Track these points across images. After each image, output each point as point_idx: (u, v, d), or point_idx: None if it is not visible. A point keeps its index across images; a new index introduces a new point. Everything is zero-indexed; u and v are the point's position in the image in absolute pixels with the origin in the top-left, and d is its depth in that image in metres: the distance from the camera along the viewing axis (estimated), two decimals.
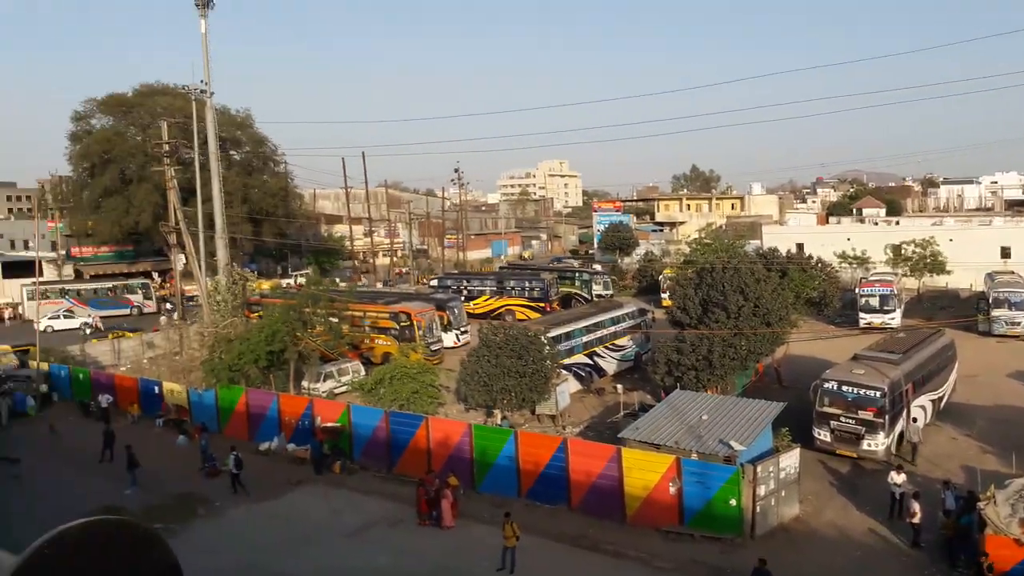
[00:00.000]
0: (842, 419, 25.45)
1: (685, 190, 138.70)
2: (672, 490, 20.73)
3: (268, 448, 29.05)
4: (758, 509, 20.39)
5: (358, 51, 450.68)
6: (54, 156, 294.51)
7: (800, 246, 55.08)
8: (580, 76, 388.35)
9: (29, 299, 54.33)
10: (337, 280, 63.55)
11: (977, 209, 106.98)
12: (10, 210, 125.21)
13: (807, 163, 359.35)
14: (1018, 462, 21.87)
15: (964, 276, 56.74)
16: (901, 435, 25.98)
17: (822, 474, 24.80)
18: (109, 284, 62.50)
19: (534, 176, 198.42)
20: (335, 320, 36.69)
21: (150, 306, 60.40)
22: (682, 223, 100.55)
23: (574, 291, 58.32)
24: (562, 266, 73.50)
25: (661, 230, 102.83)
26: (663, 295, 52.88)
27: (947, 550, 18.98)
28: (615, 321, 38.92)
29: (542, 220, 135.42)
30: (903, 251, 56.80)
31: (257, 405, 30.85)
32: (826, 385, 26.09)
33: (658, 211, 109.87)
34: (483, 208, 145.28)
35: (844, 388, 25.71)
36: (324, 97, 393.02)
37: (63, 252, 71.11)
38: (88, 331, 51.15)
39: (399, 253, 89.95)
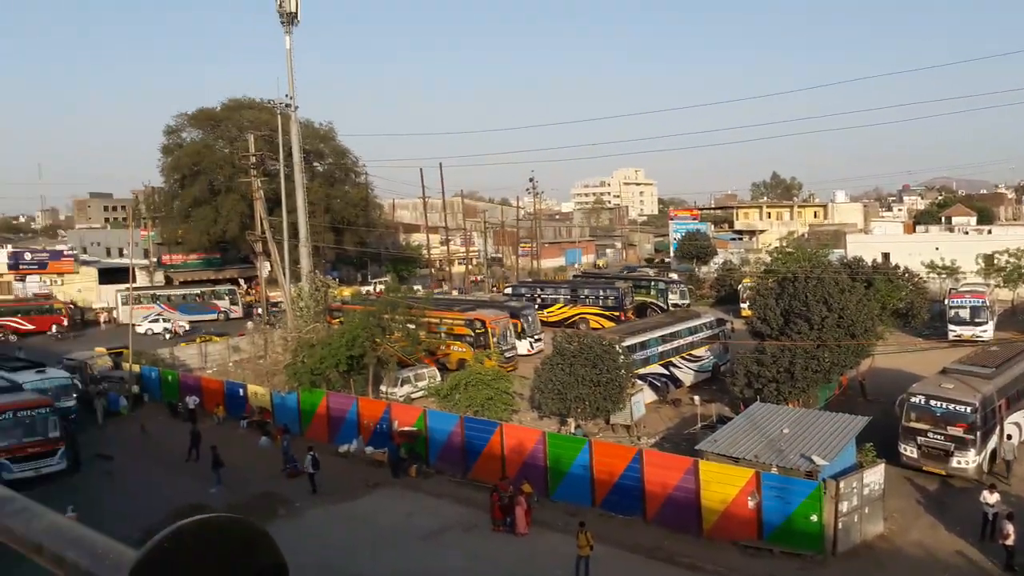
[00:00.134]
0: (930, 435, 24.52)
1: (765, 198, 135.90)
2: (751, 504, 20.32)
3: (347, 450, 29.67)
4: (840, 526, 19.80)
5: (437, 64, 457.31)
6: (148, 168, 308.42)
7: (886, 255, 53.36)
8: (656, 84, 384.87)
9: (123, 304, 56.80)
10: (416, 287, 64.50)
11: None
12: (107, 219, 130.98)
13: (893, 170, 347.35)
14: None
15: None
16: (994, 453, 24.86)
17: (908, 491, 23.91)
18: (197, 290, 64.91)
19: (609, 184, 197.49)
20: (412, 326, 37.28)
21: (236, 311, 62.41)
22: (762, 231, 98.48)
23: (649, 300, 57.74)
24: (637, 275, 72.86)
25: (740, 239, 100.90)
26: (742, 305, 51.90)
27: None
28: (692, 331, 38.40)
29: (616, 228, 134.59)
30: (996, 261, 54.39)
31: (337, 408, 31.57)
32: (913, 399, 25.18)
33: (737, 219, 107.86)
34: (557, 217, 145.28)
35: (932, 403, 24.77)
36: (403, 109, 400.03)
37: (155, 259, 74.16)
38: (168, 336, 52.93)
39: (474, 261, 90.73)
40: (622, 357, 30.46)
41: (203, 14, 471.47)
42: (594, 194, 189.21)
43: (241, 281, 72.11)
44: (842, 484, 19.81)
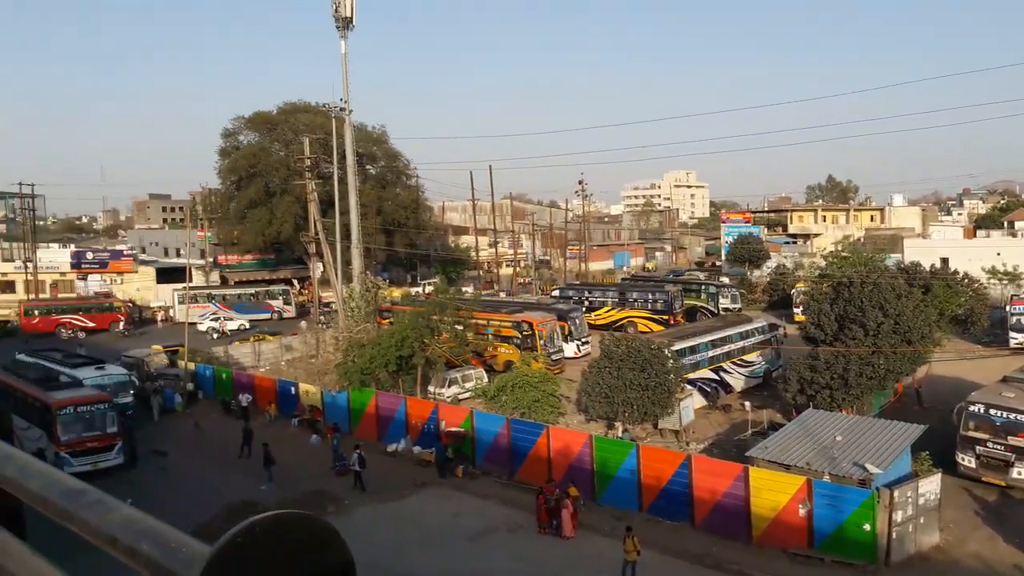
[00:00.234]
0: (989, 445, 23.83)
1: (820, 201, 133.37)
2: (802, 512, 19.98)
3: (395, 449, 29.96)
4: (894, 535, 19.37)
5: (486, 67, 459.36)
6: (205, 170, 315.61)
7: (945, 261, 51.91)
8: (709, 86, 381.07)
9: (180, 303, 58.17)
10: (464, 289, 64.82)
11: None
12: (165, 220, 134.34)
13: (953, 173, 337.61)
14: None
15: None
16: None
17: (966, 502, 23.26)
18: (252, 290, 66.13)
19: (659, 187, 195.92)
20: (460, 328, 37.49)
21: (289, 311, 63.40)
22: (817, 235, 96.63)
23: (700, 304, 57.06)
24: (688, 278, 72.07)
25: (794, 242, 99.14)
26: (796, 310, 51.03)
27: None
28: (743, 336, 37.89)
29: (666, 231, 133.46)
30: None
31: (386, 408, 31.90)
32: (972, 408, 24.50)
33: (791, 223, 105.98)
34: (606, 219, 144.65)
35: (992, 412, 24.07)
36: (454, 112, 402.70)
37: (211, 260, 75.79)
38: (215, 335, 53.73)
39: (522, 264, 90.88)
40: (671, 361, 30.20)
41: (261, 18, 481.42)
42: (644, 196, 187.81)
43: (294, 281, 73.27)
44: (896, 493, 19.39)
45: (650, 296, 53.76)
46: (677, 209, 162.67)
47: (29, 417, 28.85)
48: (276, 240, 70.93)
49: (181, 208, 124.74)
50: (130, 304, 62.55)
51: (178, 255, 79.01)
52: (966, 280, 39.33)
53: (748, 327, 39.01)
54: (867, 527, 19.17)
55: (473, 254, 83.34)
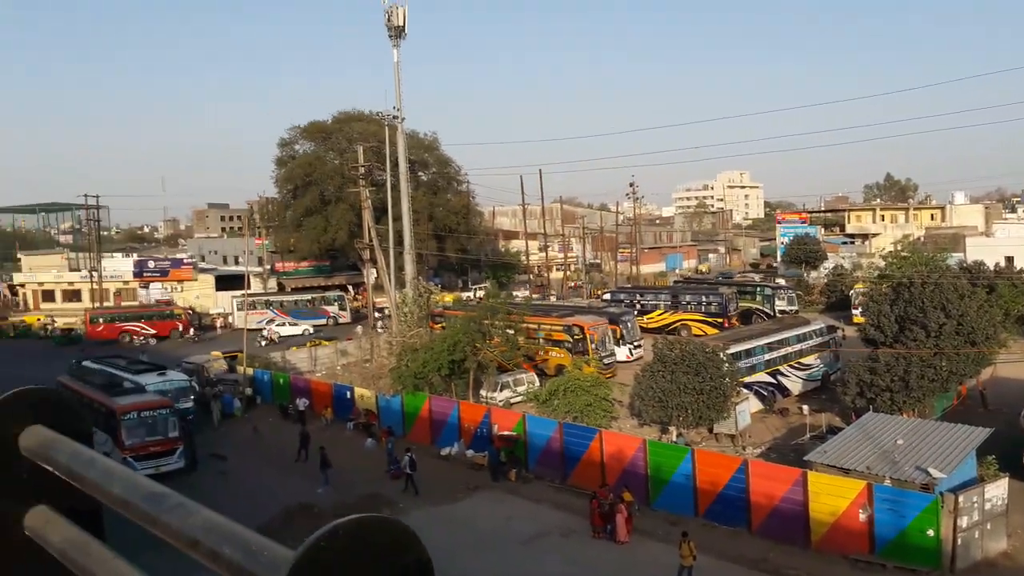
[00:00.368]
0: None
1: (878, 200, 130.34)
2: (862, 517, 19.56)
3: (448, 453, 30.16)
4: (959, 541, 18.84)
5: (537, 71, 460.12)
6: (262, 179, 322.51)
7: (1010, 259, 50.25)
8: (765, 84, 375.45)
9: (238, 310, 59.47)
10: (514, 293, 64.98)
11: None
12: (224, 229, 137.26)
13: (1018, 169, 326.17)
14: None
15: None
16: None
17: None
18: (308, 296, 67.24)
19: (712, 188, 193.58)
20: (511, 332, 37.58)
21: (344, 317, 64.25)
22: (875, 235, 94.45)
23: (755, 306, 56.20)
24: (743, 280, 71.09)
25: (852, 242, 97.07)
26: (854, 311, 49.97)
27: None
28: (800, 338, 37.25)
29: (720, 233, 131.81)
30: None
31: (439, 411, 32.13)
32: None
33: (848, 222, 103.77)
34: (658, 221, 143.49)
35: None
36: (504, 117, 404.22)
37: (268, 267, 77.30)
38: (264, 343, 54.29)
39: (572, 267, 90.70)
40: (726, 365, 29.84)
41: (316, 29, 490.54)
42: (696, 197, 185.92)
43: (349, 287, 74.31)
44: (961, 498, 18.87)
45: (704, 299, 53.12)
46: (731, 210, 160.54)
47: (95, 422, 29.78)
48: (331, 247, 72.08)
49: (239, 217, 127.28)
50: (190, 311, 64.13)
51: (236, 263, 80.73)
52: None
53: (805, 329, 38.36)
54: (931, 533, 18.69)
55: (523, 258, 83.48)
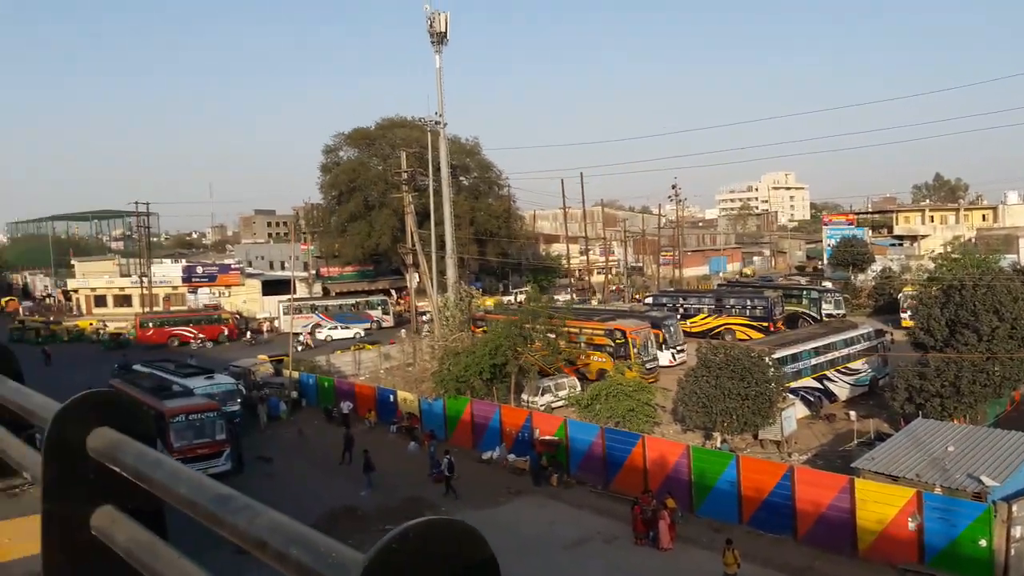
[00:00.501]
0: None
1: (928, 201, 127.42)
2: (911, 525, 19.14)
3: (490, 457, 30.23)
4: (1013, 552, 18.33)
5: (579, 74, 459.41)
6: (308, 186, 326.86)
7: None
8: (810, 84, 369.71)
9: (284, 314, 60.37)
10: (557, 297, 64.90)
11: None
12: (270, 235, 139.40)
13: None
14: None
15: None
16: None
17: None
18: (352, 300, 68.03)
19: (756, 189, 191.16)
20: (553, 336, 37.54)
21: (388, 321, 64.84)
22: (924, 237, 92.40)
23: (801, 310, 55.36)
24: (788, 283, 70.10)
25: (900, 244, 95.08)
26: (903, 315, 48.98)
27: None
28: (848, 343, 36.62)
29: (764, 235, 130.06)
30: None
31: (481, 415, 32.24)
32: None
33: (896, 224, 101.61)
34: (700, 224, 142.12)
35: None
36: (545, 121, 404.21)
37: (314, 272, 78.36)
38: (300, 348, 54.62)
39: (613, 271, 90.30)
40: (772, 370, 29.46)
41: (360, 36, 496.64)
42: (740, 200, 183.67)
43: (392, 292, 74.99)
44: (1015, 507, 18.36)
45: (748, 302, 52.48)
46: (776, 212, 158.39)
47: None
48: (375, 252, 72.83)
49: (285, 223, 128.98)
50: (237, 316, 65.23)
51: (282, 268, 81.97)
52: None
53: (853, 333, 37.73)
54: (983, 543, 18.22)
55: (564, 262, 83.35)
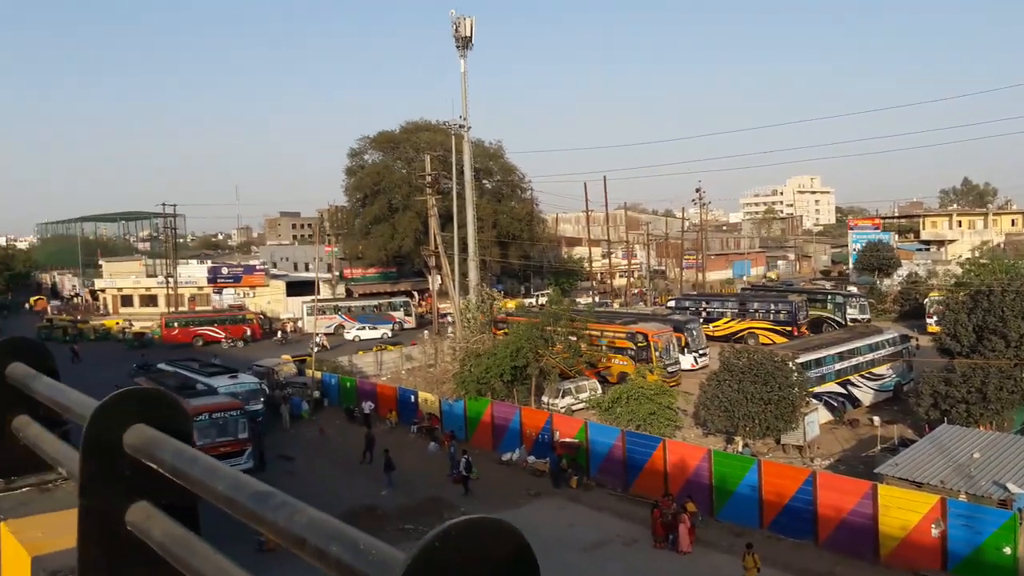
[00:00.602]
0: None
1: (955, 205, 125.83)
2: (935, 532, 18.93)
3: (510, 459, 30.26)
4: None
5: (602, 77, 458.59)
6: (332, 189, 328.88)
7: None
8: (835, 87, 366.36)
9: (308, 315, 60.82)
10: (578, 300, 64.83)
11: None
12: (295, 236, 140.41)
13: None
14: None
15: None
16: None
17: None
18: (375, 302, 68.38)
19: (781, 193, 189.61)
20: (574, 338, 37.51)
21: (410, 322, 65.09)
22: (952, 241, 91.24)
23: (826, 315, 54.88)
24: (813, 287, 69.48)
25: (927, 249, 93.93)
26: (929, 320, 48.49)
27: None
28: (872, 348, 36.28)
29: (789, 239, 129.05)
30: None
31: (501, 417, 32.29)
32: None
33: (923, 228, 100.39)
34: (724, 228, 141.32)
35: None
36: (569, 124, 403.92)
37: (337, 273, 78.83)
38: (316, 348, 54.66)
39: (635, 274, 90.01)
40: (795, 374, 29.25)
41: (385, 40, 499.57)
42: (765, 203, 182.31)
43: (414, 293, 75.29)
44: None
45: (772, 307, 52.11)
46: (801, 216, 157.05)
47: None
48: (397, 254, 73.19)
49: (310, 225, 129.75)
50: (261, 316, 65.75)
51: (307, 269, 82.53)
52: None
53: (878, 339, 37.38)
54: (1007, 550, 17.98)
55: (586, 265, 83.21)
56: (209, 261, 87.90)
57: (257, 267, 78.50)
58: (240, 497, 1.31)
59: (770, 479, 22.90)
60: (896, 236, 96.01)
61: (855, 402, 34.66)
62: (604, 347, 41.47)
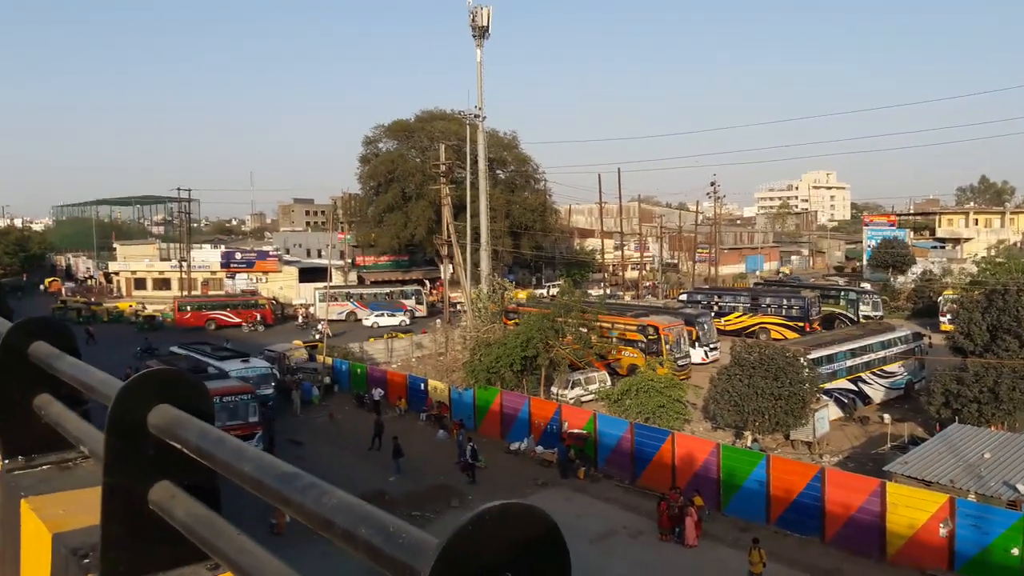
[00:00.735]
0: None
1: (972, 203, 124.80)
2: (943, 532, 18.85)
3: (518, 448, 30.32)
4: None
5: (618, 69, 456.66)
6: (346, 176, 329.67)
7: None
8: (851, 81, 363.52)
9: (320, 301, 61.02)
10: (589, 292, 64.76)
11: None
12: (308, 223, 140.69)
13: None
14: None
15: None
16: None
17: None
18: (387, 290, 68.52)
19: (796, 188, 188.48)
20: (584, 330, 37.48)
21: (421, 311, 65.17)
22: (968, 240, 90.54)
23: (838, 311, 54.61)
24: (826, 283, 69.13)
25: (942, 247, 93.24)
26: (942, 319, 48.19)
27: None
28: (884, 345, 36.09)
29: (803, 234, 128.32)
30: None
31: (510, 406, 32.33)
32: None
33: (939, 226, 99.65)
34: (738, 222, 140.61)
35: None
36: (584, 115, 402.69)
37: (349, 260, 79.02)
38: (317, 336, 54.71)
39: (647, 267, 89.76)
40: (806, 370, 29.14)
41: (400, 28, 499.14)
42: (780, 198, 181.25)
43: (426, 282, 75.39)
44: None
45: (785, 302, 51.88)
46: (815, 211, 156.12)
47: None
48: (410, 242, 73.29)
49: (323, 212, 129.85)
50: (274, 301, 65.99)
51: (319, 256, 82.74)
52: None
53: (890, 336, 37.18)
54: (1015, 552, 17.89)
55: (598, 257, 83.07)
56: (223, 246, 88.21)
57: (270, 253, 78.77)
58: (267, 478, 1.31)
59: (778, 475, 22.84)
60: (911, 233, 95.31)
61: (866, 399, 34.51)
62: (614, 339, 41.40)
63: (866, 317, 52.15)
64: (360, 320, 62.25)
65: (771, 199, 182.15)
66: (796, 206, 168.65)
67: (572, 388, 35.78)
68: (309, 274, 72.59)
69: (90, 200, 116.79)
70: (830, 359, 33.20)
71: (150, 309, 63.86)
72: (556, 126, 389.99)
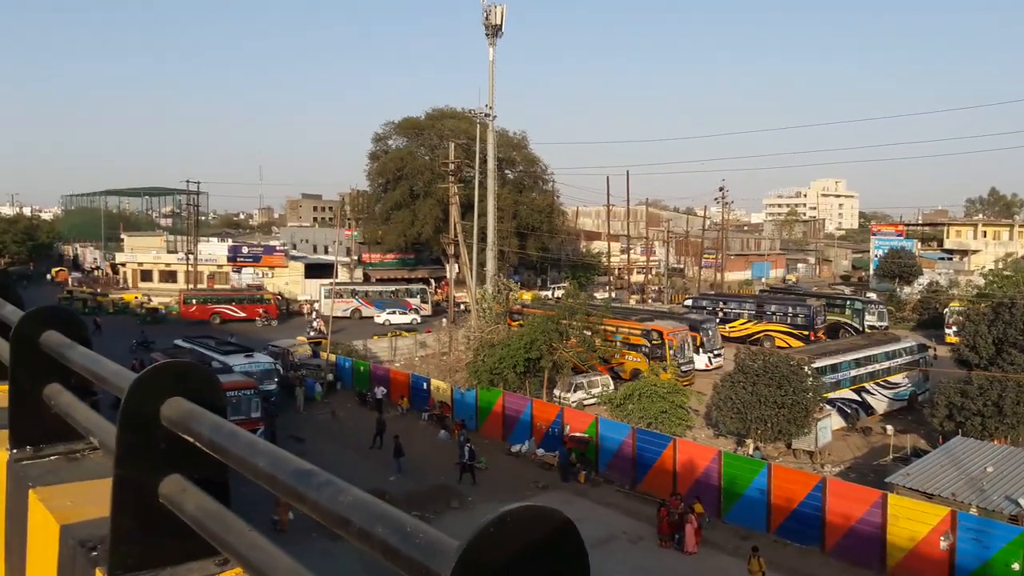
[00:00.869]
0: None
1: (981, 215, 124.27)
2: (943, 545, 18.78)
3: (519, 450, 30.30)
4: None
5: (629, 72, 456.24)
6: (355, 173, 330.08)
7: None
8: (863, 91, 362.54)
9: (325, 297, 61.04)
10: (594, 295, 64.68)
11: None
12: (315, 219, 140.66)
13: None
14: None
15: None
16: None
17: None
18: (392, 288, 68.47)
19: (805, 195, 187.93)
20: (589, 333, 37.44)
21: (426, 309, 65.08)
22: (975, 252, 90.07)
23: (843, 320, 54.49)
24: (832, 292, 68.94)
25: (950, 258, 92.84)
26: (948, 330, 47.99)
27: None
28: (889, 356, 35.98)
29: (811, 242, 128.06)
30: None
31: (512, 408, 32.30)
32: None
33: (947, 237, 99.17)
34: (746, 228, 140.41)
35: None
36: (593, 117, 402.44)
37: (356, 257, 79.03)
38: (312, 333, 53.40)
39: (653, 271, 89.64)
40: (810, 379, 29.07)
41: (413, 26, 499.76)
42: (788, 205, 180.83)
43: (431, 281, 75.36)
44: None
45: (790, 310, 51.79)
46: (823, 219, 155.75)
47: None
48: (416, 241, 73.24)
49: (331, 208, 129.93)
50: (279, 296, 66.02)
51: (326, 252, 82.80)
52: None
53: (895, 347, 37.07)
54: (1016, 567, 17.80)
55: (604, 260, 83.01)
56: (230, 240, 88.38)
57: (277, 248, 78.84)
58: (281, 474, 1.29)
59: (779, 483, 22.79)
60: (919, 244, 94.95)
61: (869, 410, 34.41)
62: (618, 343, 41.35)
63: (871, 327, 52.02)
64: (365, 317, 62.10)
65: (779, 206, 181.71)
66: (804, 213, 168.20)
67: (575, 391, 35.73)
68: (315, 270, 72.59)
69: (99, 190, 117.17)
70: (834, 368, 33.12)
71: (155, 301, 63.92)
72: (566, 126, 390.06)
